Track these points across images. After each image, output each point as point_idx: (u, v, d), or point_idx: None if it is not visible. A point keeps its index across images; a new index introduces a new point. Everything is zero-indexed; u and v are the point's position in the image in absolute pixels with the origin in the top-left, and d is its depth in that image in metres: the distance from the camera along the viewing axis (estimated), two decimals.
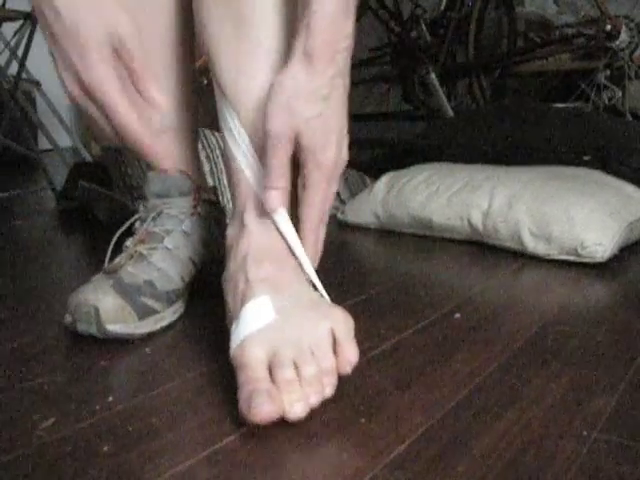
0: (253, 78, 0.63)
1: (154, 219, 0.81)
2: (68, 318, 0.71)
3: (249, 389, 0.53)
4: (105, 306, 0.70)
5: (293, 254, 0.63)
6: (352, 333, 0.59)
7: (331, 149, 0.59)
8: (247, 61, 0.64)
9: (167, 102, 0.63)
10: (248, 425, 0.53)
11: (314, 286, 0.64)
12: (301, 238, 0.63)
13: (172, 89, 0.81)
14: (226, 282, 0.64)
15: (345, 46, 0.59)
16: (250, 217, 0.63)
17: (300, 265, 0.63)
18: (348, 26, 0.58)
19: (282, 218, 0.63)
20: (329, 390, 0.55)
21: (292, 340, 0.56)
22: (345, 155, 0.62)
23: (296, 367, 0.54)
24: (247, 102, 0.64)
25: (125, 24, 0.61)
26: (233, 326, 0.60)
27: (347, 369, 0.56)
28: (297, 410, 0.52)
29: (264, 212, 0.62)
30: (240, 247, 0.63)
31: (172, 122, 0.82)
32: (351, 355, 0.56)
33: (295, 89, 0.57)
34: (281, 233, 0.63)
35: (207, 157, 1.37)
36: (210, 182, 1.34)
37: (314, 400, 0.54)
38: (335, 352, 0.57)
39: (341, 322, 0.58)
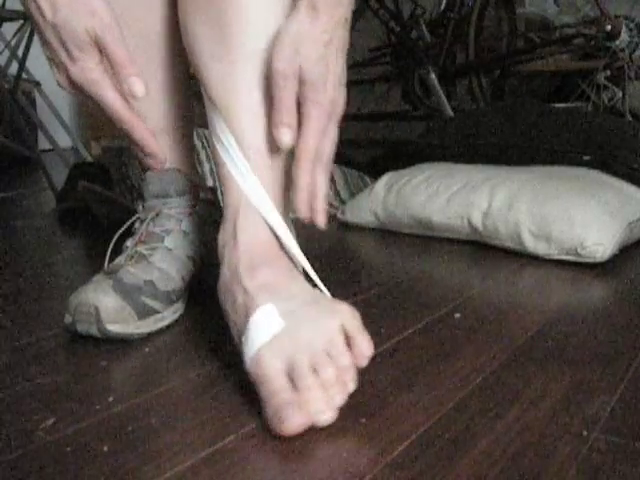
0: (238, 80, 0.64)
1: (153, 219, 0.81)
2: (68, 318, 0.71)
3: (275, 402, 0.53)
4: (105, 306, 0.70)
5: (287, 252, 0.63)
6: (361, 324, 0.58)
7: (330, 89, 0.62)
8: (231, 69, 0.64)
9: (144, 89, 0.64)
10: (248, 425, 0.53)
11: (309, 278, 0.64)
12: (295, 179, 0.63)
13: (164, 89, 0.81)
14: (222, 292, 0.64)
15: (347, 1, 0.62)
16: (241, 223, 0.63)
17: (295, 262, 0.63)
18: None
19: (273, 215, 0.63)
20: (351, 385, 0.56)
21: (305, 345, 0.55)
22: (342, 101, 0.64)
23: (315, 371, 0.54)
24: (233, 105, 0.64)
25: (103, 14, 0.62)
26: (242, 340, 0.59)
27: (363, 362, 0.57)
28: (326, 417, 0.53)
29: (256, 215, 0.63)
30: (232, 256, 0.63)
31: (166, 123, 0.82)
32: (365, 348, 0.57)
33: (300, 34, 0.60)
34: (273, 231, 0.63)
35: (207, 157, 1.37)
36: (210, 182, 1.34)
37: (339, 400, 0.54)
38: (349, 347, 0.57)
39: (349, 316, 0.58)
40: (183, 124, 0.84)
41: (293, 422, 0.51)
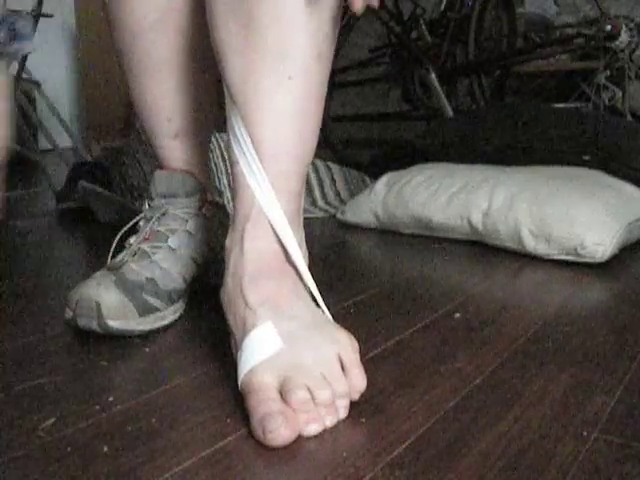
0: (260, 84, 0.61)
1: (159, 219, 0.81)
2: (69, 313, 0.71)
3: (262, 411, 0.52)
4: (107, 302, 0.70)
5: (293, 266, 0.62)
6: (358, 357, 0.58)
7: None
8: (255, 66, 0.61)
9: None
10: (248, 426, 0.53)
11: (314, 297, 0.62)
12: None
13: (186, 93, 0.81)
14: (225, 302, 0.62)
15: None
16: (250, 231, 0.61)
17: (301, 278, 0.62)
18: None
19: (284, 227, 0.61)
20: (343, 413, 0.55)
21: (302, 366, 0.55)
22: None
23: (310, 391, 0.53)
24: (254, 108, 0.61)
25: None
26: (238, 354, 0.58)
27: (355, 396, 0.56)
28: (312, 429, 0.52)
29: (266, 225, 0.60)
30: (236, 264, 0.61)
31: (185, 125, 0.82)
32: (359, 382, 0.56)
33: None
34: (282, 244, 0.61)
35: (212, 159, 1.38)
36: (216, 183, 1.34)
37: (329, 422, 0.54)
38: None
39: (347, 346, 0.58)
40: (201, 127, 0.84)
41: (279, 435, 0.50)
